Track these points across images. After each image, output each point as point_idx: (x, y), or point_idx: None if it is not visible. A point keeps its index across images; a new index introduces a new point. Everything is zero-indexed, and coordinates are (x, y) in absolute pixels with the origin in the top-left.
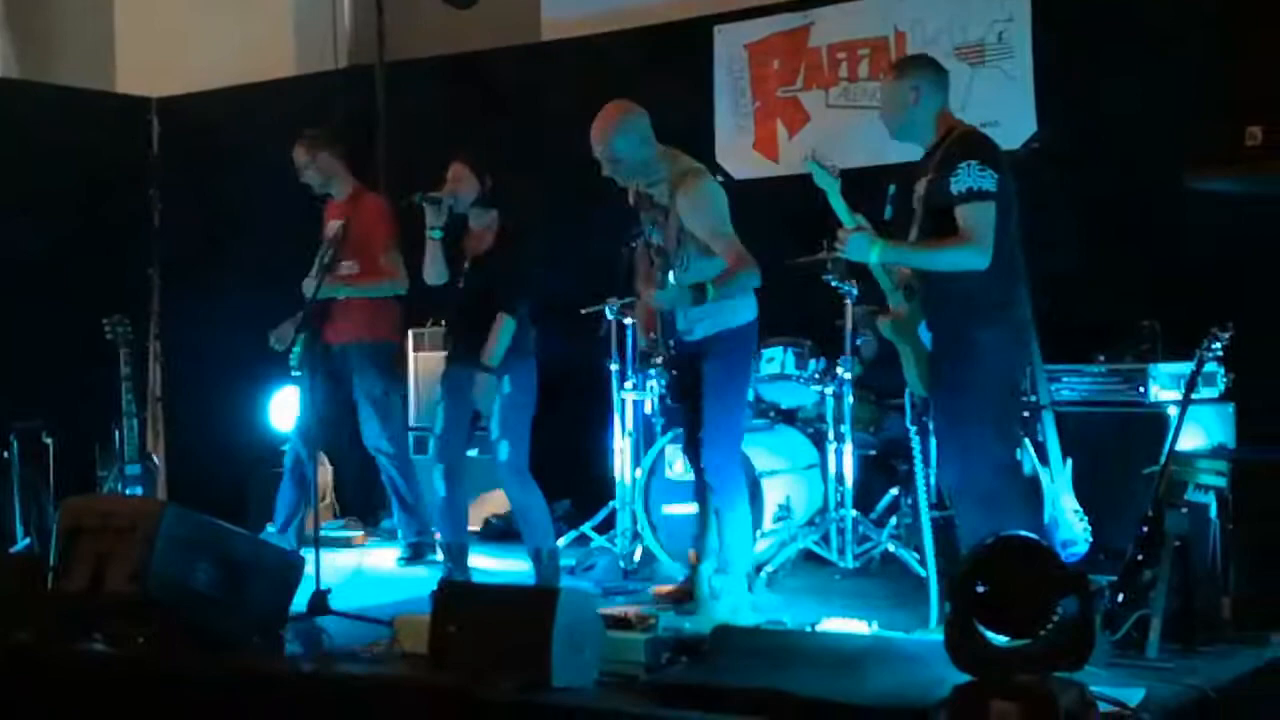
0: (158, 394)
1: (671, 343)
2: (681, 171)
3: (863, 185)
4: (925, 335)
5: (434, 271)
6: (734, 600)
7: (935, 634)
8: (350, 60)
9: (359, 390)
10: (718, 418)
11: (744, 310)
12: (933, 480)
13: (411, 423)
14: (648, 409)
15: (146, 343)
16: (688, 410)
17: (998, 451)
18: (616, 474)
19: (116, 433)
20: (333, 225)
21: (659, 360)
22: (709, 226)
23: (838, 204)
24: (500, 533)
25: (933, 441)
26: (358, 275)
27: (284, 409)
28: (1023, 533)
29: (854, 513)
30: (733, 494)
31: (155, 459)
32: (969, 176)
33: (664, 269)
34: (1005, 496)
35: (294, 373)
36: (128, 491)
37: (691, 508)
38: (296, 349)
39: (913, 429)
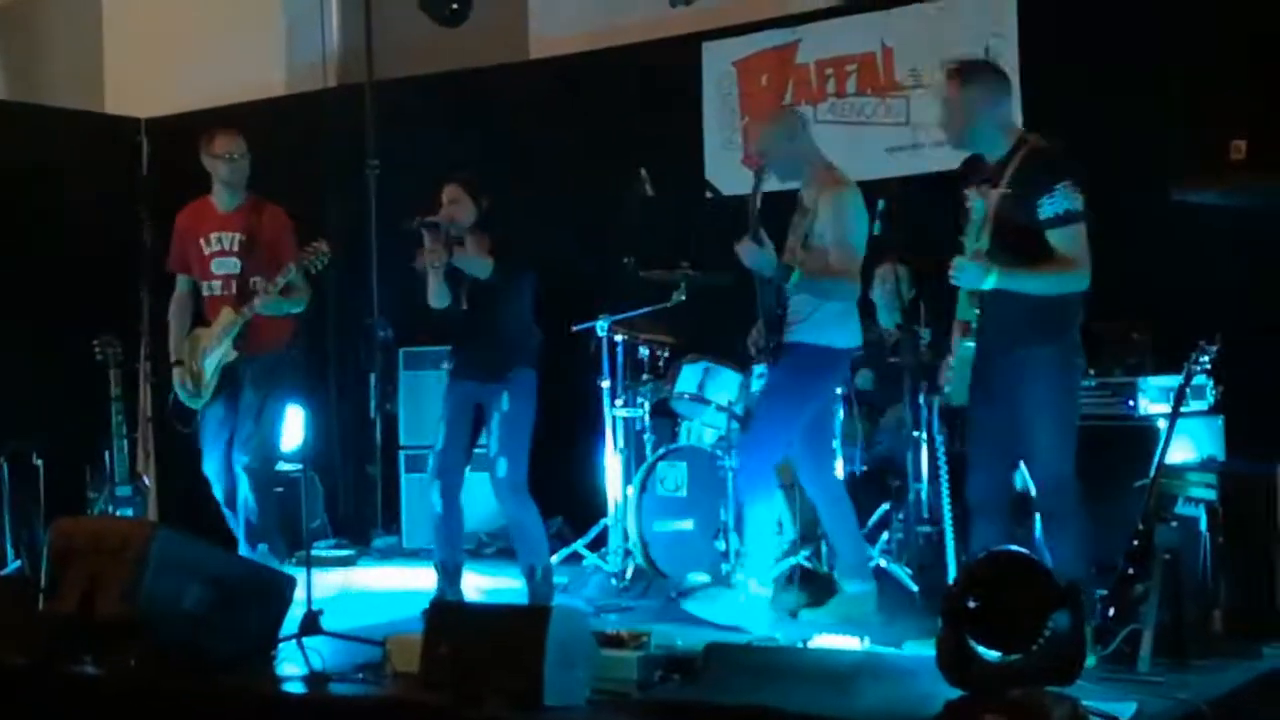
0: (148, 414)
1: (770, 344)
2: (832, 179)
3: None
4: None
5: (437, 296)
6: (751, 601)
7: (926, 649)
8: (340, 79)
9: (241, 402)
10: (759, 423)
11: (837, 334)
12: (924, 495)
13: (403, 441)
14: (638, 426)
15: (137, 363)
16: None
17: (1062, 466)
18: (608, 491)
19: (107, 454)
20: (217, 240)
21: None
22: (836, 234)
23: (972, 231)
24: (498, 550)
25: (971, 452)
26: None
27: (288, 428)
28: (1013, 548)
29: None
30: (752, 499)
31: (146, 480)
32: (1066, 199)
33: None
34: (1062, 513)
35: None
36: (118, 513)
37: (685, 524)
38: (210, 381)
39: (914, 435)
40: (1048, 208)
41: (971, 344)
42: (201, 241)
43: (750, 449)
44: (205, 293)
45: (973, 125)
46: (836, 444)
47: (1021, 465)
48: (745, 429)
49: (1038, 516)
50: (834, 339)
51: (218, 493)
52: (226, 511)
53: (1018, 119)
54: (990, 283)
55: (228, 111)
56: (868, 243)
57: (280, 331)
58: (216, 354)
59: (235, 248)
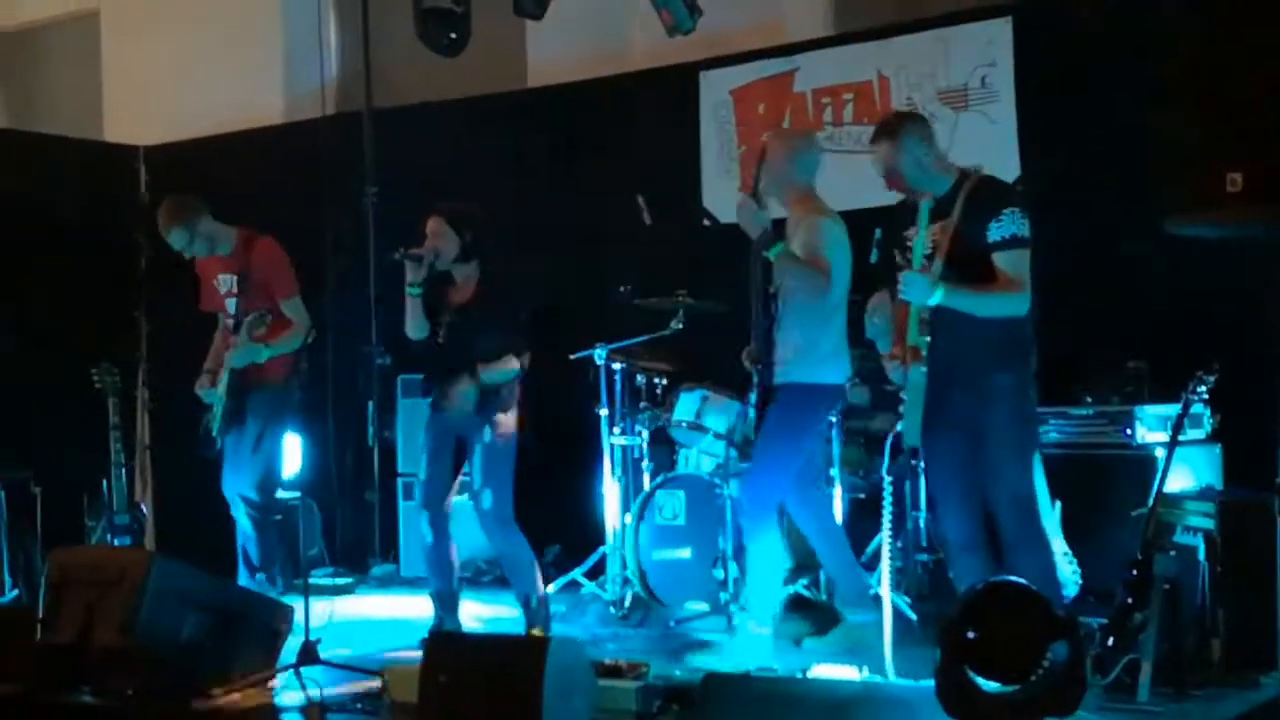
0: (146, 443)
1: (759, 366)
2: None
3: (850, 230)
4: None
5: (414, 326)
6: (753, 642)
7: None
8: (339, 107)
9: (243, 431)
10: (761, 461)
11: (828, 370)
12: (909, 524)
13: (401, 468)
14: (636, 454)
15: (135, 391)
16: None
17: (1024, 489)
18: (606, 519)
19: (105, 482)
20: (224, 281)
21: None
22: (810, 245)
23: (919, 245)
24: (494, 578)
25: (940, 490)
26: (273, 330)
27: (287, 456)
28: (1012, 578)
29: None
30: (754, 540)
31: (144, 508)
32: (1011, 223)
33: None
34: (1028, 536)
35: (214, 444)
36: (116, 542)
37: (683, 552)
38: (218, 413)
39: (888, 479)
40: (995, 231)
41: (923, 370)
42: (215, 283)
43: (751, 491)
44: (222, 329)
45: (915, 173)
46: (835, 472)
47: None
48: (746, 458)
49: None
50: (825, 375)
51: (235, 514)
52: (238, 536)
53: (1013, 150)
54: (936, 298)
55: (226, 139)
56: (866, 271)
57: (280, 364)
58: (217, 390)
59: (234, 288)
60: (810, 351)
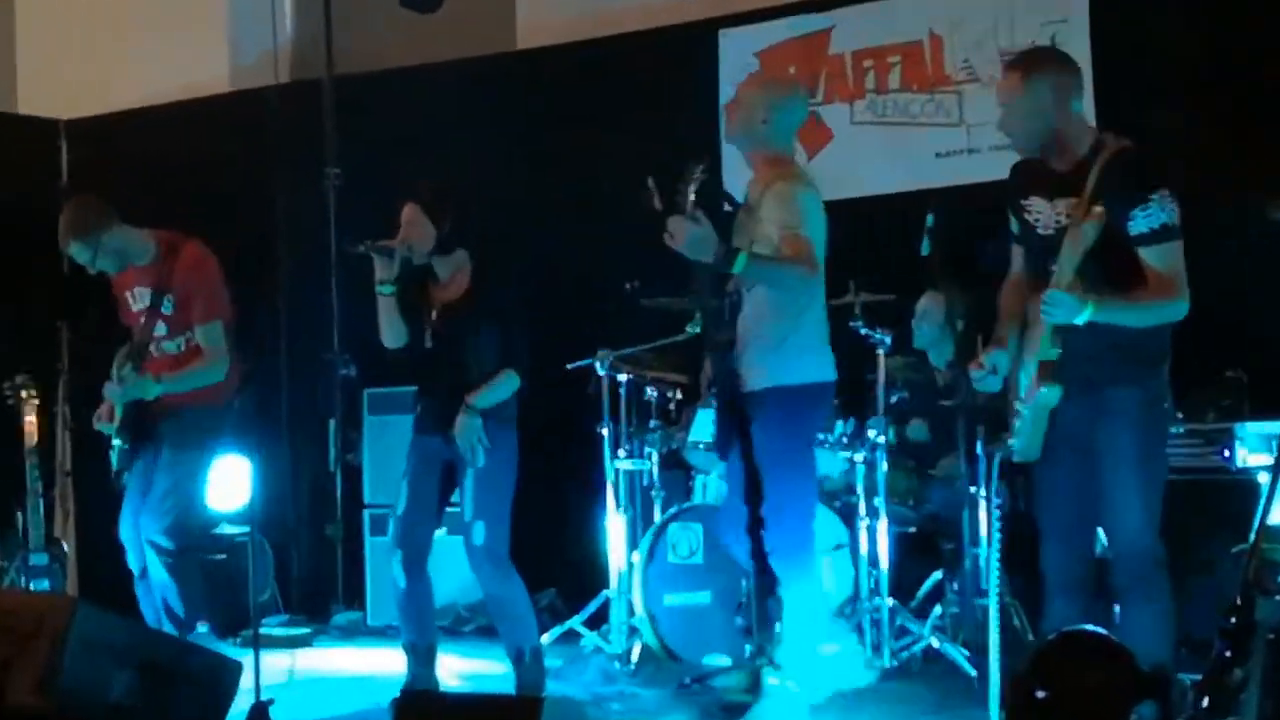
0: (67, 468)
1: (714, 389)
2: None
3: (894, 216)
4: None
5: (390, 333)
6: (790, 708)
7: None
8: (294, 74)
9: (154, 465)
10: (780, 490)
11: (812, 366)
12: (982, 561)
13: (368, 498)
14: (645, 480)
15: (54, 407)
16: (734, 471)
17: (1147, 529)
18: (610, 558)
19: (19, 515)
20: (138, 296)
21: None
22: (785, 221)
23: (1070, 259)
24: (478, 627)
25: (1045, 518)
26: (177, 360)
27: (223, 483)
28: (1090, 627)
29: (891, 601)
30: (800, 581)
31: (65, 546)
32: (1162, 211)
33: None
34: (1146, 586)
35: (120, 482)
36: (32, 586)
37: (700, 596)
38: (114, 452)
39: (996, 500)
40: (1141, 221)
41: (1056, 390)
42: (127, 297)
43: (778, 528)
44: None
45: (1040, 125)
46: (881, 502)
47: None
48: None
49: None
50: (809, 372)
51: (132, 564)
52: (139, 588)
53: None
54: (1085, 316)
55: (162, 111)
56: (916, 266)
57: (208, 388)
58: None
59: (150, 303)
60: (785, 346)
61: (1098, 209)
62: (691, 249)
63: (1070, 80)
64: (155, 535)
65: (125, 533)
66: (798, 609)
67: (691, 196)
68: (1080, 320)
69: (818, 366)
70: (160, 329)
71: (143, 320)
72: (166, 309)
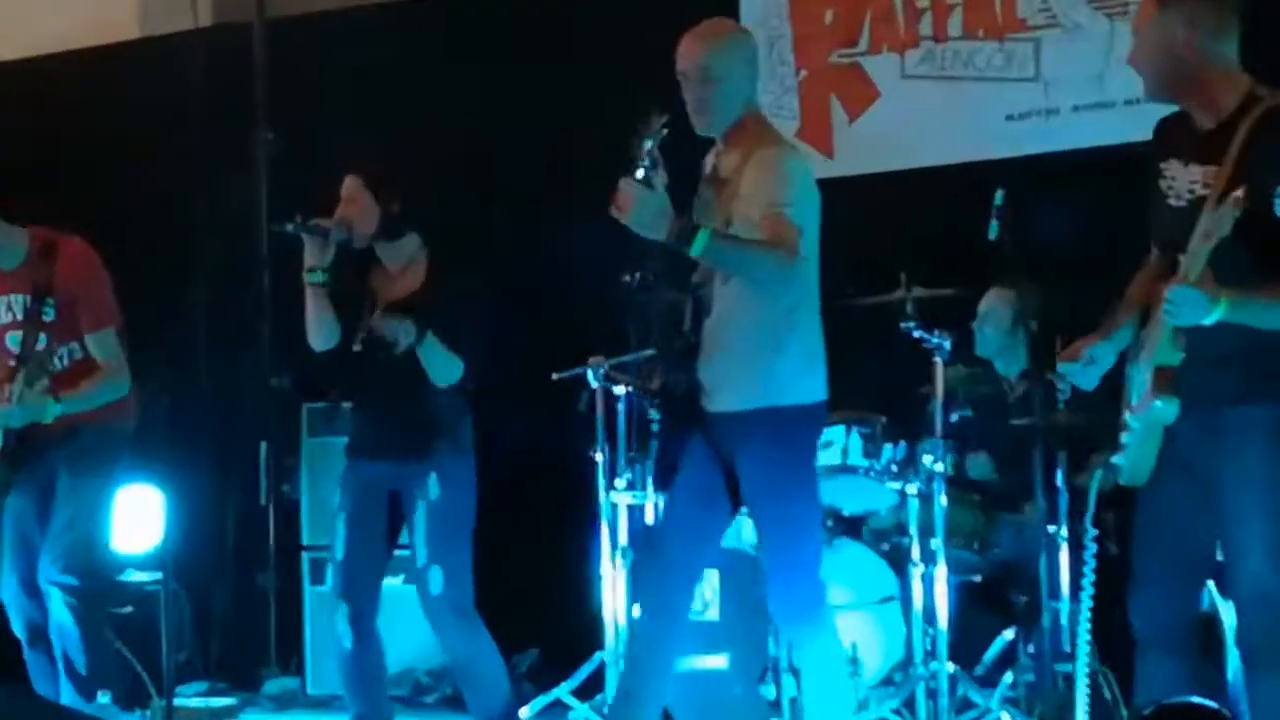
0: None
1: (654, 401)
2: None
3: (955, 192)
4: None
5: (320, 332)
6: None
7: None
8: (216, 17)
9: (53, 491)
10: (783, 536)
11: (805, 384)
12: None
13: (306, 539)
14: (649, 517)
15: None
16: (682, 508)
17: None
18: (606, 612)
19: None
20: (8, 303)
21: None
22: (768, 196)
23: (1203, 249)
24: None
25: (1140, 558)
26: (69, 376)
27: (132, 519)
28: (1196, 699)
29: (951, 667)
30: (818, 643)
31: None
32: None
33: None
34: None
35: None
36: None
37: (717, 660)
38: None
39: (1092, 531)
40: None
41: (1174, 404)
42: None
43: (785, 584)
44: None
45: (1169, 66)
46: (939, 546)
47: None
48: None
49: (1234, 651)
50: (806, 391)
51: (17, 627)
52: (30, 654)
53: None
54: (1216, 316)
55: (55, 62)
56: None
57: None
58: None
59: (22, 315)
60: (773, 357)
61: (1237, 194)
62: (639, 222)
63: (1214, 12)
64: (56, 575)
65: (8, 590)
66: (820, 676)
67: (647, 155)
68: (1209, 321)
69: (811, 384)
70: (40, 341)
71: (21, 334)
72: (47, 317)
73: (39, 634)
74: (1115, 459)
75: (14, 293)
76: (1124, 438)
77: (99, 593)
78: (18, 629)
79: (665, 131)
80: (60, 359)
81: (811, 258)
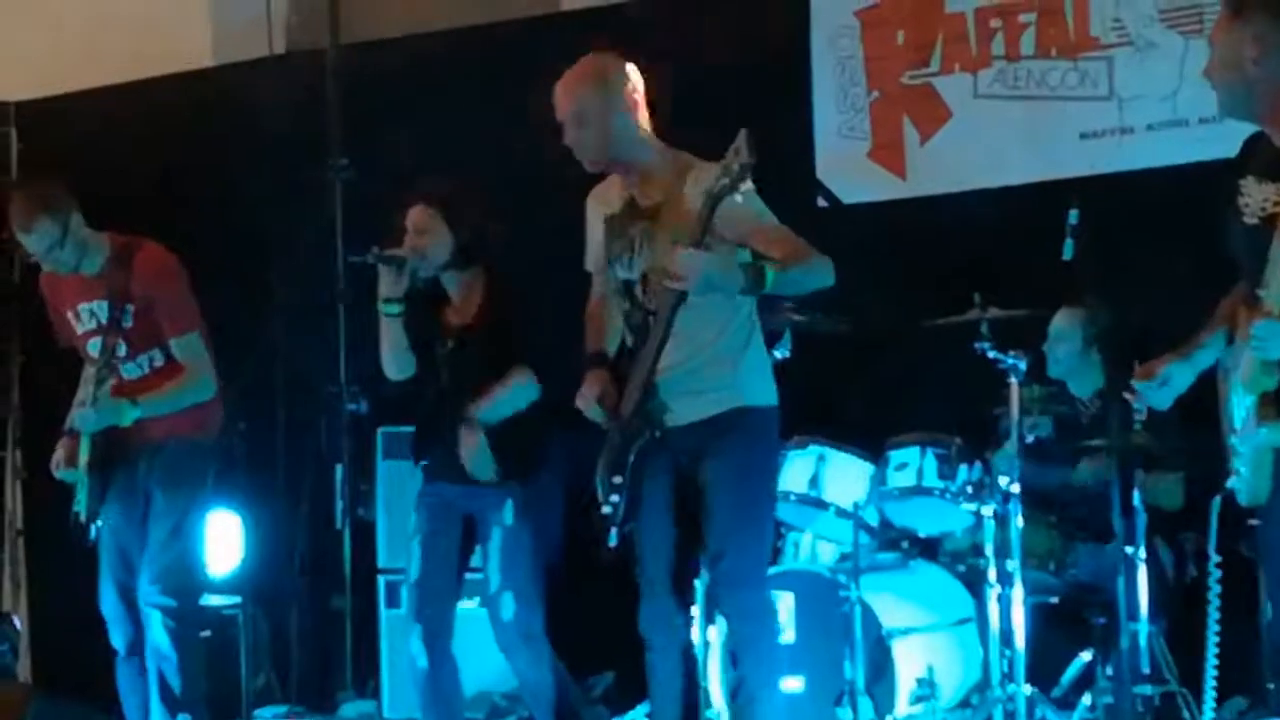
0: (19, 527)
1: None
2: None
3: (1029, 211)
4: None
5: (394, 361)
6: None
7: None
8: (291, 44)
9: (148, 511)
10: (748, 529)
11: (769, 387)
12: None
13: (382, 561)
14: None
15: (3, 453)
16: (653, 530)
17: None
18: None
19: None
20: (86, 314)
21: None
22: (755, 212)
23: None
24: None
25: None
26: (150, 380)
27: (213, 544)
28: None
29: (1028, 689)
30: (774, 655)
31: (16, 622)
32: None
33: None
34: None
35: (87, 534)
36: None
37: (793, 683)
38: (82, 494)
39: (1215, 558)
40: None
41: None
42: (71, 316)
43: (745, 582)
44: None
45: (1239, 80)
46: (1015, 567)
47: None
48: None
49: None
50: (770, 394)
51: (116, 639)
52: (123, 670)
53: None
54: None
55: (132, 90)
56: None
57: (190, 412)
58: (79, 467)
59: (103, 321)
60: (739, 365)
61: None
62: (709, 284)
63: None
64: (156, 597)
65: (108, 602)
66: (762, 674)
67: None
68: None
69: (770, 386)
70: (120, 349)
71: (102, 339)
72: (126, 324)
73: (135, 647)
74: (1231, 483)
75: (96, 299)
76: (1234, 461)
77: (195, 612)
78: (116, 641)
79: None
80: (140, 365)
81: None
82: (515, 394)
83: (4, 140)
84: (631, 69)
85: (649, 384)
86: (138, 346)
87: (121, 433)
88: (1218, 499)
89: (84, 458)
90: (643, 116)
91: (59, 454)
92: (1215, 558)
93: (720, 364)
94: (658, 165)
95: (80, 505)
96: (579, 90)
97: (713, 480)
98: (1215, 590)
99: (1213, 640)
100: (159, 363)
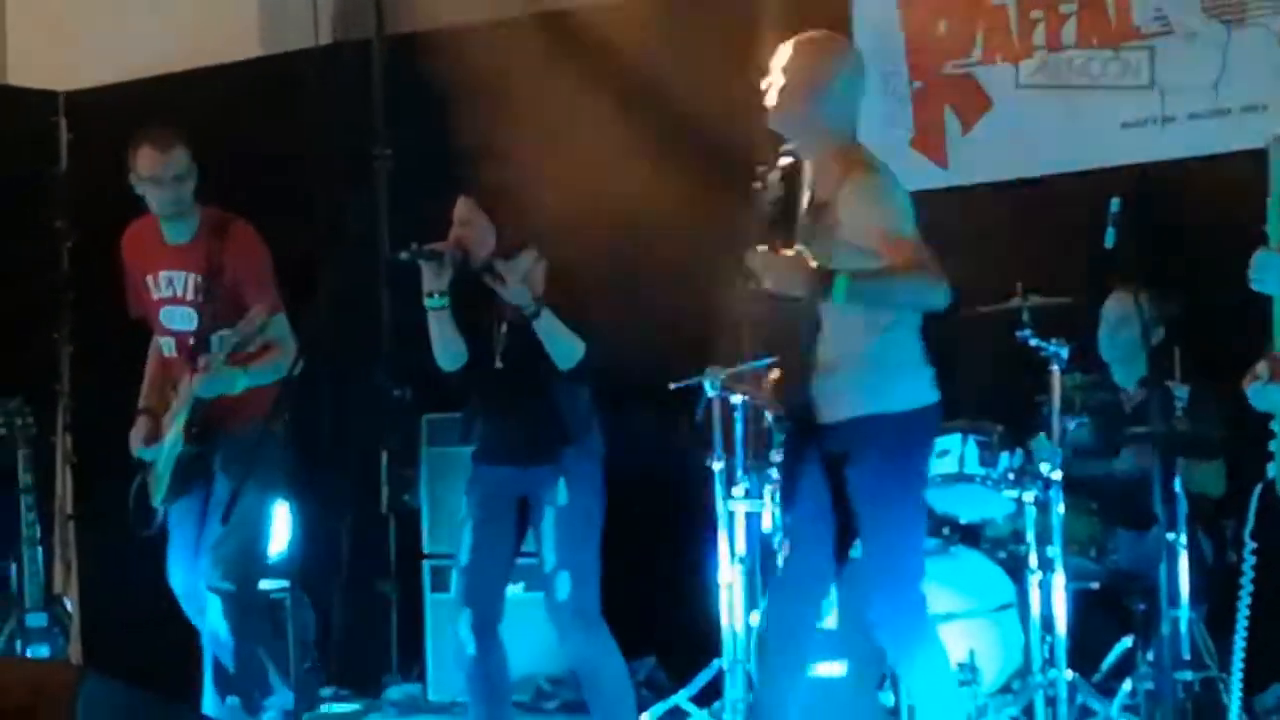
0: (69, 511)
1: (784, 424)
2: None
3: (1071, 200)
4: None
5: (445, 352)
6: None
7: None
8: (337, 34)
9: (211, 496)
10: (887, 545)
11: (914, 389)
12: (1183, 625)
13: (428, 547)
14: (766, 525)
15: (53, 437)
16: (811, 531)
17: None
18: (723, 619)
19: (14, 567)
20: (169, 281)
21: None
22: (880, 221)
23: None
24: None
25: None
26: (254, 354)
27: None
28: None
29: (1070, 674)
30: (919, 657)
31: (68, 603)
32: None
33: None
34: None
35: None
36: (29, 652)
37: (835, 668)
38: (165, 477)
39: (1251, 544)
40: None
41: None
42: (150, 280)
43: (884, 594)
44: (164, 352)
45: None
46: (1056, 553)
47: None
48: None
49: None
50: (915, 395)
51: (190, 613)
52: (207, 642)
53: None
54: None
55: (180, 80)
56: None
57: (257, 401)
58: (168, 440)
59: (190, 294)
60: (881, 365)
61: None
62: (777, 285)
63: None
64: (217, 581)
65: (179, 580)
66: (929, 687)
67: (770, 203)
68: None
69: (919, 387)
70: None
71: (197, 311)
72: (213, 296)
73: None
74: (1271, 470)
75: (179, 269)
76: (1271, 444)
77: (253, 601)
78: (195, 620)
79: (789, 163)
80: (252, 332)
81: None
82: (571, 343)
83: (53, 130)
84: (855, 56)
85: (800, 379)
86: (221, 319)
87: (204, 415)
88: (1259, 486)
89: (174, 434)
90: (848, 104)
91: (141, 431)
92: (1250, 544)
93: (862, 367)
94: (835, 158)
95: (160, 488)
96: (793, 63)
97: (854, 495)
98: (1249, 576)
99: (1242, 626)
100: (233, 339)
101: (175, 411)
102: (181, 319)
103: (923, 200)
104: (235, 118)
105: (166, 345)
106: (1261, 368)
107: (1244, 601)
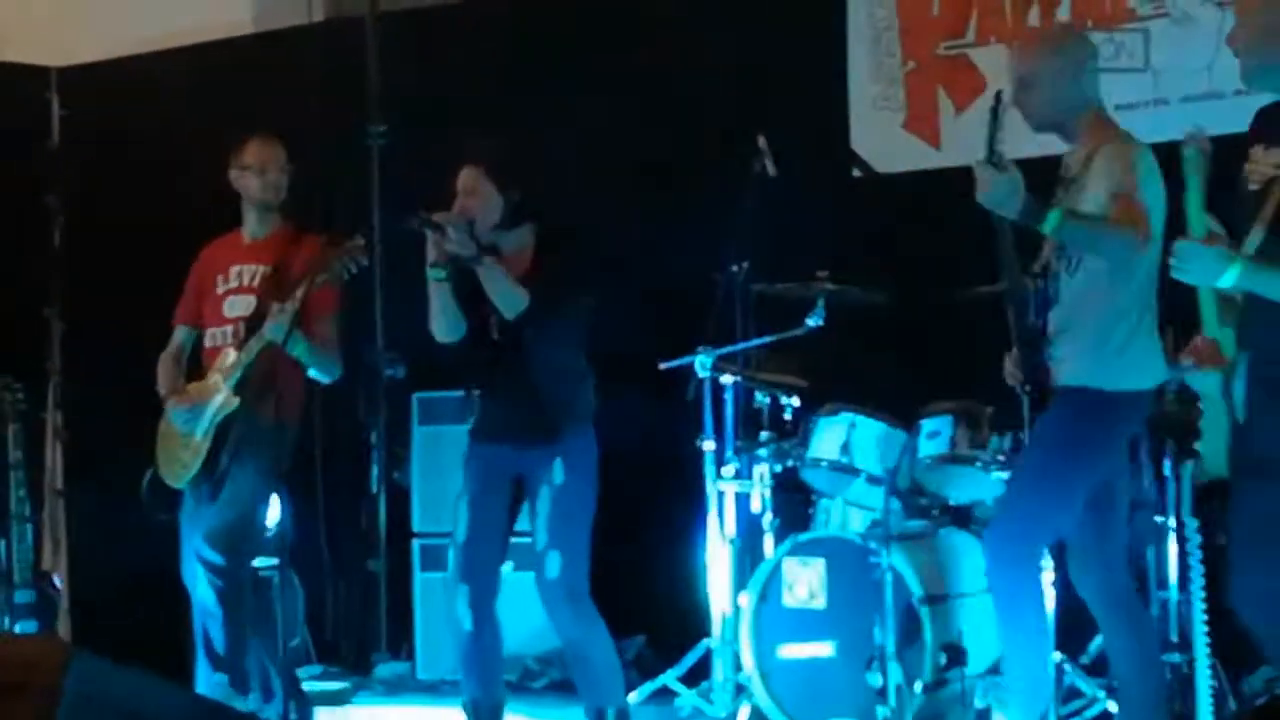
0: (59, 486)
1: (1031, 371)
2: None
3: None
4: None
5: (443, 323)
6: None
7: None
8: (330, 10)
9: (219, 479)
10: (1015, 495)
11: (1127, 371)
12: (1173, 606)
13: (418, 525)
14: (755, 506)
15: (43, 414)
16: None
17: None
18: (712, 600)
19: (2, 543)
20: (239, 274)
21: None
22: (1114, 186)
23: (1195, 201)
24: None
25: (1234, 546)
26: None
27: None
28: None
29: (1058, 655)
30: (1011, 601)
31: (56, 580)
32: None
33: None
34: None
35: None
36: (18, 629)
37: (823, 648)
38: (196, 464)
39: (1194, 522)
40: None
41: (1210, 377)
42: (220, 277)
43: (1002, 534)
44: (208, 344)
45: (1267, 51)
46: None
47: None
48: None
49: None
50: (1122, 379)
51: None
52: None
53: None
54: (1229, 279)
55: (172, 57)
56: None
57: (295, 399)
58: (212, 405)
59: (254, 282)
60: (1103, 344)
61: None
62: (994, 200)
63: None
64: (206, 551)
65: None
66: (1018, 644)
67: (999, 137)
68: (1222, 284)
69: (1134, 370)
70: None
71: (257, 299)
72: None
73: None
74: (1197, 445)
75: (254, 263)
76: (1200, 423)
77: (242, 575)
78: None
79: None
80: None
81: (1158, 244)
82: (513, 295)
83: (46, 107)
84: (1089, 41)
85: (1031, 340)
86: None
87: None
88: (1189, 464)
89: (223, 395)
90: (1090, 87)
91: (184, 400)
92: (1194, 521)
93: (1076, 338)
94: (1084, 139)
95: (196, 462)
96: (1029, 54)
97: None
98: (1197, 557)
99: (1199, 609)
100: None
101: (218, 378)
102: (242, 306)
103: (917, 182)
104: (228, 95)
105: (215, 336)
106: (1185, 353)
107: (1196, 584)
